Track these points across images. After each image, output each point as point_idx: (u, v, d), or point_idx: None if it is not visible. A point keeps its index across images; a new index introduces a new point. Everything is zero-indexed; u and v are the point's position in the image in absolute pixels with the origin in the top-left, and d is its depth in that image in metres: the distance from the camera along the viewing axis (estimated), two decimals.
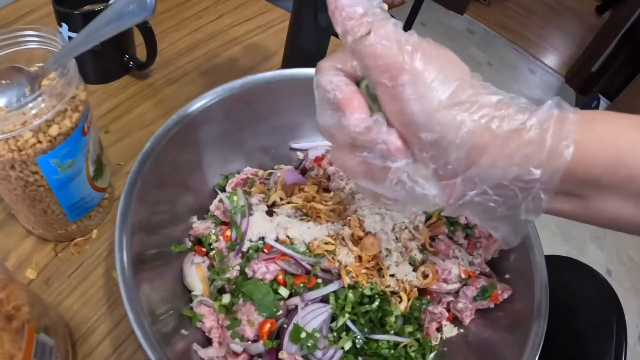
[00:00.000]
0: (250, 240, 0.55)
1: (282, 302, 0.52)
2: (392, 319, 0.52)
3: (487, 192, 0.32)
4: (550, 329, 0.50)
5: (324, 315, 0.51)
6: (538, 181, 0.30)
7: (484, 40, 3.10)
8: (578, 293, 0.79)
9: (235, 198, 0.56)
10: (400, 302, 0.55)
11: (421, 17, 2.32)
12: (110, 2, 0.59)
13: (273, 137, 0.66)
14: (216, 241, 0.56)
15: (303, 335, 0.50)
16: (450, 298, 0.58)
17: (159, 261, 0.53)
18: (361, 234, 0.55)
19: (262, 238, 0.55)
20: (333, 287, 0.52)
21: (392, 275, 0.55)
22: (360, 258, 0.54)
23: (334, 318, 0.52)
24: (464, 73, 0.31)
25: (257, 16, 0.98)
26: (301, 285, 0.52)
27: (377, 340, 0.52)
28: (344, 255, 0.54)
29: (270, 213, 0.59)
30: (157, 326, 0.45)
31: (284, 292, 0.52)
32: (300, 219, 0.57)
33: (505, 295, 0.56)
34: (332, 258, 0.54)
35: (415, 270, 0.56)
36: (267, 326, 0.50)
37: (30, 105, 0.44)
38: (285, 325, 0.51)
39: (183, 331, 0.51)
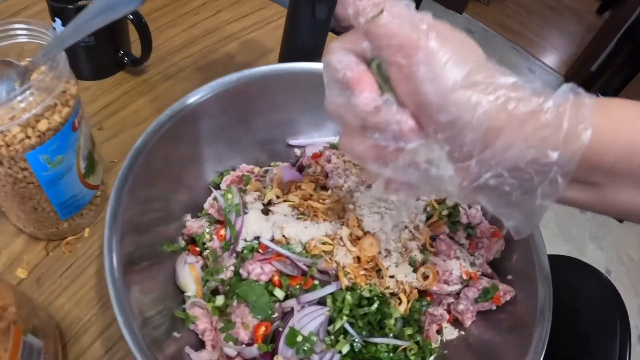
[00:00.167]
0: (245, 240, 0.54)
1: (277, 305, 0.52)
2: (392, 321, 0.52)
3: (502, 174, 0.31)
4: (553, 329, 0.50)
5: (321, 318, 0.51)
6: (555, 164, 0.30)
7: (483, 40, 3.09)
8: (580, 293, 0.79)
9: (229, 196, 0.56)
10: (399, 304, 0.54)
11: None
12: None
13: (270, 133, 0.66)
14: (210, 240, 0.56)
15: (299, 338, 0.49)
16: (451, 300, 0.58)
17: (151, 261, 0.52)
18: (360, 233, 0.55)
19: (257, 238, 0.54)
20: (330, 288, 0.52)
21: (391, 277, 0.54)
22: (358, 259, 0.54)
23: (331, 321, 0.51)
24: (478, 55, 0.32)
25: (254, 12, 0.97)
26: (297, 286, 0.52)
27: (375, 344, 0.52)
28: (341, 256, 0.53)
29: (265, 212, 0.58)
30: (148, 329, 0.45)
31: (279, 293, 0.51)
32: (297, 218, 0.57)
33: (508, 297, 0.55)
34: (330, 259, 0.53)
35: (415, 271, 0.55)
36: (262, 329, 0.50)
37: (19, 98, 0.43)
38: (280, 329, 0.50)
39: (175, 334, 0.50)
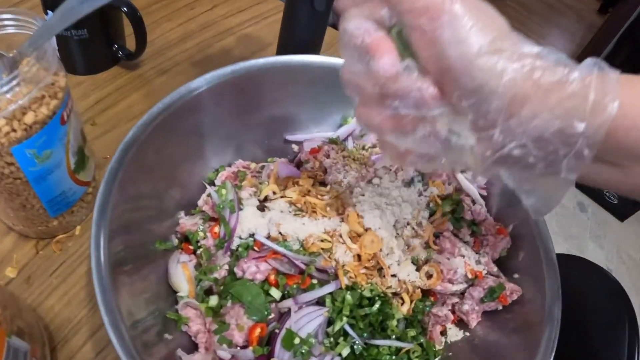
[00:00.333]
0: (240, 237, 0.53)
1: (273, 305, 0.51)
2: (394, 322, 0.51)
3: (527, 145, 0.31)
4: (560, 329, 0.50)
5: (319, 319, 0.50)
6: (581, 136, 0.30)
7: None
8: (586, 292, 0.79)
9: (223, 191, 0.55)
10: (402, 304, 0.54)
11: None
12: None
13: (266, 128, 0.65)
14: (204, 238, 0.55)
15: (296, 341, 0.48)
16: (456, 299, 0.57)
17: (142, 260, 0.51)
18: (360, 230, 0.54)
19: (253, 235, 0.54)
20: (329, 288, 0.51)
21: (393, 276, 0.54)
22: (359, 257, 0.53)
23: (330, 322, 0.51)
24: (502, 24, 0.32)
25: (251, 7, 0.98)
26: (295, 286, 0.51)
27: (377, 346, 0.51)
28: (341, 254, 0.52)
29: (261, 208, 0.57)
30: (138, 331, 0.44)
31: (275, 293, 0.51)
32: (294, 215, 0.56)
33: (515, 297, 0.55)
34: (329, 257, 0.52)
35: (418, 269, 0.55)
36: (258, 331, 0.49)
37: (4, 89, 0.42)
38: (277, 330, 0.50)
39: (167, 336, 0.50)
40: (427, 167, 0.38)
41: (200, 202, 0.59)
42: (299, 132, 0.67)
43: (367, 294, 0.51)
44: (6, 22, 0.48)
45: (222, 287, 0.52)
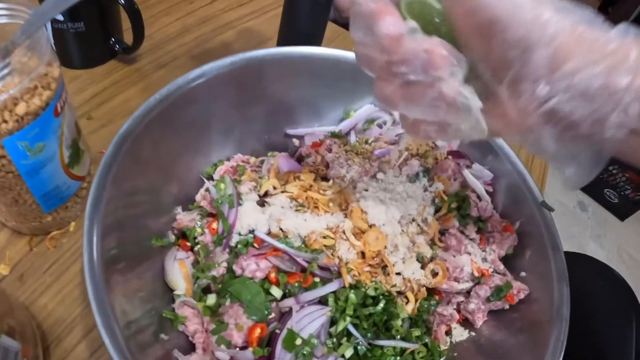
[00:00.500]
0: (239, 234, 0.53)
1: (274, 304, 0.51)
2: (399, 322, 0.51)
3: (571, 99, 0.31)
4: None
5: (322, 318, 0.49)
6: (627, 90, 0.30)
7: None
8: (593, 291, 0.80)
9: (222, 186, 0.54)
10: (407, 303, 0.53)
11: None
12: None
13: (266, 122, 0.64)
14: (202, 234, 0.54)
15: (298, 341, 0.48)
16: (461, 298, 0.57)
17: (138, 257, 0.51)
18: (364, 226, 0.54)
19: (252, 231, 0.53)
20: (332, 287, 0.51)
21: (398, 274, 0.53)
22: (363, 254, 0.53)
23: (333, 322, 0.50)
24: None
25: (251, 1, 0.98)
26: (296, 284, 0.51)
27: (381, 347, 0.50)
28: (344, 251, 0.52)
29: (261, 203, 0.57)
30: (132, 331, 0.43)
31: (276, 292, 0.50)
32: (296, 210, 0.55)
33: (522, 295, 0.54)
34: (332, 254, 0.52)
35: (423, 267, 0.55)
36: (257, 331, 0.49)
37: None
38: (277, 331, 0.49)
39: (163, 336, 0.49)
40: (442, 136, 0.39)
41: (198, 197, 0.58)
42: (300, 126, 0.67)
43: (371, 292, 0.51)
44: None
45: (220, 285, 0.51)
